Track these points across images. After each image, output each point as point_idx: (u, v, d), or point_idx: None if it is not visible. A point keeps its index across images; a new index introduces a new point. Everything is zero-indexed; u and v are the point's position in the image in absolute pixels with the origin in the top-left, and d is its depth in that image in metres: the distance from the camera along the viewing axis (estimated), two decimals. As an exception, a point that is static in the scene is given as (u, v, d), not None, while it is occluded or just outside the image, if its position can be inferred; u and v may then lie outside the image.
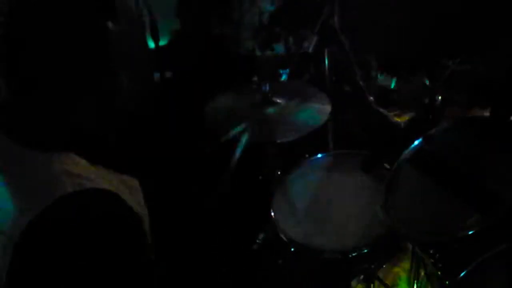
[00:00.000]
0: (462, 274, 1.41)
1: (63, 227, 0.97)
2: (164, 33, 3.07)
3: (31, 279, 0.97)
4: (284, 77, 2.59)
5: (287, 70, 2.52)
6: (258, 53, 2.81)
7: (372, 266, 1.98)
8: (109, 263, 0.97)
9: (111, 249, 0.97)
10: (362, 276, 1.98)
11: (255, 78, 2.13)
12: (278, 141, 2.04)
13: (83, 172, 1.03)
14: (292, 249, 1.92)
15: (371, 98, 2.71)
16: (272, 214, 1.99)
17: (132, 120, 2.62)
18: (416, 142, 1.86)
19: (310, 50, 2.16)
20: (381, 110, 2.68)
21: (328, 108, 2.12)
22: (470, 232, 1.48)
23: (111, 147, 1.19)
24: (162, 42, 3.06)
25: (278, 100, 2.18)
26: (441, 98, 2.07)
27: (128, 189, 1.12)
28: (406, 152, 1.86)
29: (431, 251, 1.62)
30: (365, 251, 1.83)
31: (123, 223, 1.01)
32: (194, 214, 2.36)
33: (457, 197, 1.63)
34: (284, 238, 1.91)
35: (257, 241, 2.21)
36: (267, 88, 2.11)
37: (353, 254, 1.83)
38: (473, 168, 1.65)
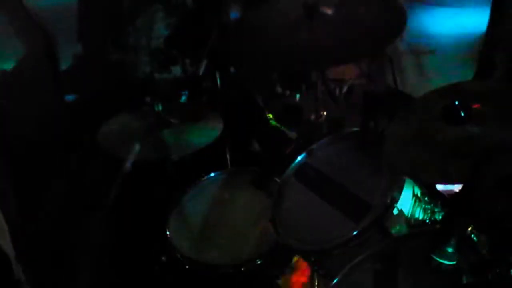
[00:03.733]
0: (334, 281, 1.49)
1: None
2: (67, 57, 3.07)
3: None
4: (183, 98, 2.63)
5: (186, 92, 2.57)
6: (156, 75, 2.86)
7: (269, 277, 2.05)
8: None
9: None
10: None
11: (148, 99, 2.16)
12: (172, 157, 2.09)
13: None
14: (187, 267, 1.96)
15: (269, 115, 2.81)
16: (168, 233, 2.04)
17: (28, 144, 2.58)
18: (299, 157, 1.97)
19: (200, 73, 2.23)
20: (280, 125, 2.78)
21: (220, 126, 2.19)
22: (346, 238, 1.60)
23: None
24: (64, 66, 3.06)
25: (172, 121, 2.23)
26: (326, 114, 2.20)
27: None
28: (291, 167, 1.97)
29: (312, 259, 1.73)
30: (258, 262, 1.91)
31: None
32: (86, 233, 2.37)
33: (335, 207, 1.74)
34: (179, 256, 1.96)
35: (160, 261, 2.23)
36: (160, 108, 2.16)
37: (246, 267, 1.90)
38: (347, 179, 1.77)
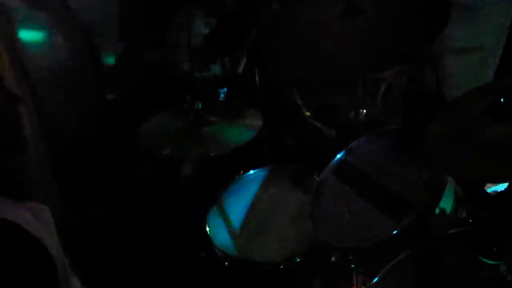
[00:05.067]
0: (374, 280, 1.48)
1: None
2: (109, 56, 3.13)
3: None
4: (222, 97, 2.65)
5: (225, 90, 2.58)
6: (196, 74, 2.89)
7: (308, 275, 2.06)
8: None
9: (8, 278, 1.00)
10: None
11: (188, 98, 2.19)
12: (212, 155, 2.11)
13: None
14: (226, 263, 1.98)
15: (307, 113, 2.81)
16: (208, 229, 2.06)
17: (70, 142, 2.65)
18: (339, 155, 1.96)
19: (240, 71, 2.24)
20: (317, 124, 2.77)
21: (258, 124, 2.20)
22: (385, 238, 1.59)
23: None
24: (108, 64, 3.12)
25: (212, 119, 2.25)
26: (365, 112, 2.19)
27: (35, 217, 1.15)
28: (331, 164, 1.97)
29: (351, 257, 1.72)
30: (297, 260, 1.91)
31: (21, 250, 1.04)
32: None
33: (374, 205, 1.73)
34: (219, 253, 1.98)
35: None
36: (199, 107, 2.18)
37: (285, 265, 1.90)
38: (386, 177, 1.76)
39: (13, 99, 1.22)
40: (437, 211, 1.58)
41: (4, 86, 1.23)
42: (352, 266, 1.73)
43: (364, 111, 2.23)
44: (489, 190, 1.89)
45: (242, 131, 2.20)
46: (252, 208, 2.14)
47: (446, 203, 1.62)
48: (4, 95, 1.20)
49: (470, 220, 1.64)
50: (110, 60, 3.13)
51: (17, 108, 1.25)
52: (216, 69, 2.91)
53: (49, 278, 1.09)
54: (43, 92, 2.29)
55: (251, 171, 2.28)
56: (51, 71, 2.70)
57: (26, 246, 1.05)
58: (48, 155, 2.18)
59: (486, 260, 1.19)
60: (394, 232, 1.57)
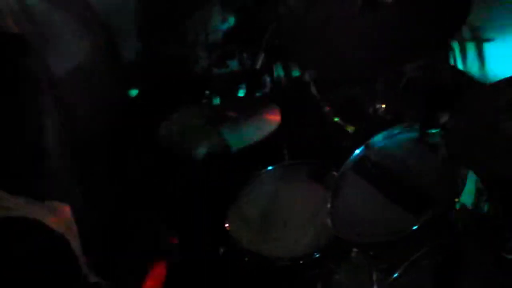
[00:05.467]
0: (394, 276, 1.48)
1: None
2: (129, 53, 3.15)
3: None
4: (241, 92, 2.66)
5: (244, 85, 2.59)
6: (214, 70, 2.90)
7: (327, 271, 2.05)
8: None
9: (34, 271, 1.02)
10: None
11: (207, 94, 2.20)
12: (230, 151, 2.11)
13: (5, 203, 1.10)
14: (246, 259, 1.98)
15: (327, 108, 2.79)
16: (227, 225, 2.07)
17: (92, 139, 2.67)
18: (358, 150, 1.95)
19: (258, 66, 2.24)
20: (337, 119, 2.75)
21: (277, 119, 2.20)
22: (406, 233, 1.57)
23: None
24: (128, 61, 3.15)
25: (230, 114, 2.26)
26: (384, 106, 2.17)
27: (56, 215, 1.17)
28: (350, 160, 1.96)
29: (371, 253, 1.71)
30: (316, 256, 1.91)
31: (44, 246, 1.06)
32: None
33: (394, 200, 1.72)
34: (238, 248, 1.99)
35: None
36: (218, 102, 2.19)
37: (304, 260, 1.90)
38: (406, 172, 1.74)
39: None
40: (457, 206, 1.56)
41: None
42: (372, 261, 1.72)
43: (383, 105, 2.22)
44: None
45: (261, 126, 2.20)
46: (271, 204, 2.14)
47: (467, 198, 1.60)
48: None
49: (492, 215, 1.62)
50: (130, 57, 3.15)
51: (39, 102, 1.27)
52: (234, 64, 2.92)
53: (71, 273, 1.11)
54: (64, 91, 2.31)
55: (270, 167, 2.28)
56: (73, 69, 2.72)
57: (49, 242, 1.07)
58: (69, 154, 2.20)
59: (507, 256, 1.17)
60: (414, 227, 1.56)
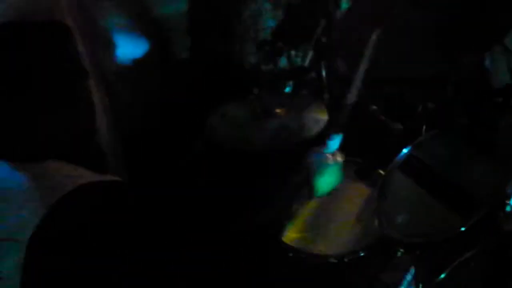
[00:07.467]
0: (441, 277, 1.47)
1: (73, 220, 1.07)
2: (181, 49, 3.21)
3: (46, 276, 1.06)
4: (288, 89, 2.67)
5: (291, 82, 2.60)
6: (263, 67, 2.92)
7: (373, 270, 2.05)
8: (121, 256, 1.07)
9: (121, 236, 1.07)
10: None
11: (255, 90, 2.22)
12: (278, 147, 2.13)
13: (76, 173, 1.16)
14: (291, 255, 2.00)
15: (374, 107, 2.77)
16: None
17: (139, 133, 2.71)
18: (405, 149, 1.94)
19: (306, 64, 2.25)
20: (384, 118, 2.73)
21: (324, 117, 2.20)
22: (453, 234, 1.56)
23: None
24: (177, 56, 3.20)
25: (278, 111, 2.28)
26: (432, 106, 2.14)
27: None
28: (397, 159, 1.95)
29: (417, 253, 1.70)
30: (361, 254, 1.91)
31: (127, 209, 1.12)
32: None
33: (442, 200, 1.70)
34: (283, 245, 2.00)
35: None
36: (266, 99, 2.21)
37: (349, 258, 1.90)
38: (454, 173, 1.72)
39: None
40: (507, 208, 1.54)
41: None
42: (418, 262, 1.71)
43: (432, 105, 2.19)
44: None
45: (308, 124, 2.21)
46: (317, 201, 2.15)
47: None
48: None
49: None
50: (181, 53, 3.20)
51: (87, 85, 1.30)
52: (282, 62, 2.93)
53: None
54: (113, 82, 2.38)
55: (317, 164, 2.28)
56: (122, 63, 2.80)
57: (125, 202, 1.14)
58: (118, 144, 2.27)
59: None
60: (463, 228, 1.55)
